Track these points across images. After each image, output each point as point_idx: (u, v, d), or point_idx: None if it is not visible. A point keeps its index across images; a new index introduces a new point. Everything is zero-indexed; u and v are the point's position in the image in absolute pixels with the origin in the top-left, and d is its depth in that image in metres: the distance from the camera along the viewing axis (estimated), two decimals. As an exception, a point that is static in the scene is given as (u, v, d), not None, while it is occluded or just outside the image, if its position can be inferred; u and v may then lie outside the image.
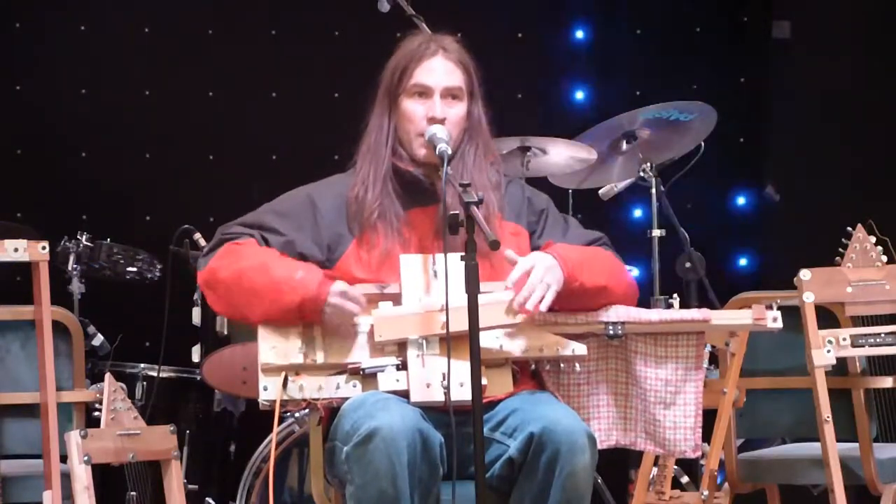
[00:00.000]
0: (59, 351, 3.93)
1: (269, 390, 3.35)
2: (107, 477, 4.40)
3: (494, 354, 3.43)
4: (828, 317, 3.99)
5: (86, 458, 3.75)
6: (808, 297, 3.90)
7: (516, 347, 3.44)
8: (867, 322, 3.95)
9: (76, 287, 4.97)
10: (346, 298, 3.38)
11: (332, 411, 3.43)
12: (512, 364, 3.47)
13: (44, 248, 3.80)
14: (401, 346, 3.40)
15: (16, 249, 3.77)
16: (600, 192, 5.20)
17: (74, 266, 4.98)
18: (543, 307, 3.39)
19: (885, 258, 3.95)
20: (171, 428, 3.94)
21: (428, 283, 3.44)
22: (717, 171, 5.96)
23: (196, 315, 4.94)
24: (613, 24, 6.56)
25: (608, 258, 3.60)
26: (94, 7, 6.22)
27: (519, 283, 3.40)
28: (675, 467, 4.75)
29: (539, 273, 3.40)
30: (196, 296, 4.94)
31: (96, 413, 4.01)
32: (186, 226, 5.04)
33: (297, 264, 3.45)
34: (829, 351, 3.88)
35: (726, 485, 4.27)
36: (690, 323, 3.53)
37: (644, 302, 4.36)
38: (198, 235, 5.03)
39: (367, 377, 3.38)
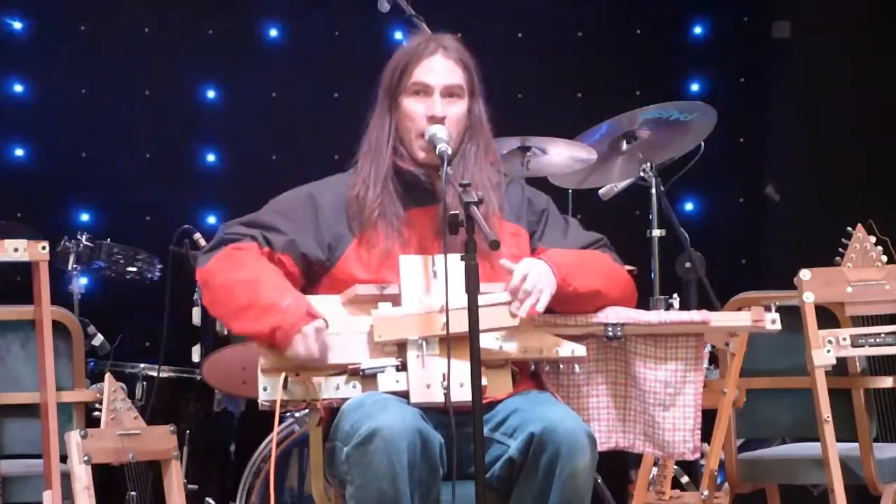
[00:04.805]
0: (59, 351, 3.92)
1: (268, 390, 3.35)
2: (107, 477, 4.39)
3: (494, 355, 3.42)
4: (828, 317, 3.98)
5: (86, 458, 3.74)
6: (808, 297, 3.89)
7: (516, 348, 3.44)
8: (867, 322, 3.95)
9: (76, 287, 4.98)
10: (319, 337, 3.34)
11: (332, 411, 3.43)
12: (512, 365, 3.47)
13: (44, 248, 3.79)
14: (400, 347, 3.39)
15: (16, 249, 3.76)
16: (600, 192, 5.20)
17: (74, 266, 4.98)
18: (538, 310, 3.39)
19: (885, 258, 3.95)
20: (171, 428, 3.94)
21: (428, 284, 3.44)
22: (717, 170, 5.97)
23: (196, 315, 4.94)
24: (609, 24, 6.55)
25: (603, 261, 3.59)
26: (94, 7, 6.22)
27: (514, 292, 3.39)
28: (675, 467, 4.75)
29: (532, 279, 3.39)
30: (196, 296, 4.94)
31: (96, 413, 4.01)
32: (186, 226, 5.03)
33: (287, 292, 3.39)
34: (829, 351, 3.88)
35: (726, 485, 4.27)
36: (690, 324, 3.52)
37: (644, 302, 4.37)
38: (198, 235, 5.03)
39: (367, 378, 3.38)
